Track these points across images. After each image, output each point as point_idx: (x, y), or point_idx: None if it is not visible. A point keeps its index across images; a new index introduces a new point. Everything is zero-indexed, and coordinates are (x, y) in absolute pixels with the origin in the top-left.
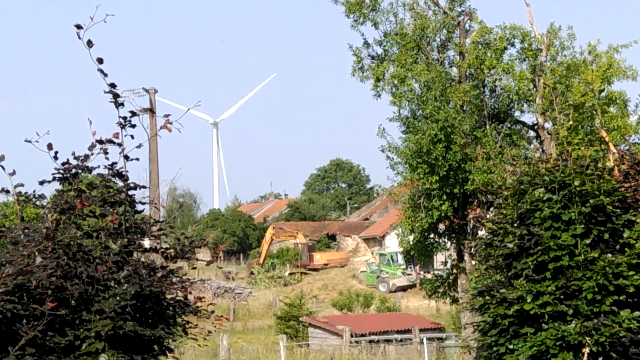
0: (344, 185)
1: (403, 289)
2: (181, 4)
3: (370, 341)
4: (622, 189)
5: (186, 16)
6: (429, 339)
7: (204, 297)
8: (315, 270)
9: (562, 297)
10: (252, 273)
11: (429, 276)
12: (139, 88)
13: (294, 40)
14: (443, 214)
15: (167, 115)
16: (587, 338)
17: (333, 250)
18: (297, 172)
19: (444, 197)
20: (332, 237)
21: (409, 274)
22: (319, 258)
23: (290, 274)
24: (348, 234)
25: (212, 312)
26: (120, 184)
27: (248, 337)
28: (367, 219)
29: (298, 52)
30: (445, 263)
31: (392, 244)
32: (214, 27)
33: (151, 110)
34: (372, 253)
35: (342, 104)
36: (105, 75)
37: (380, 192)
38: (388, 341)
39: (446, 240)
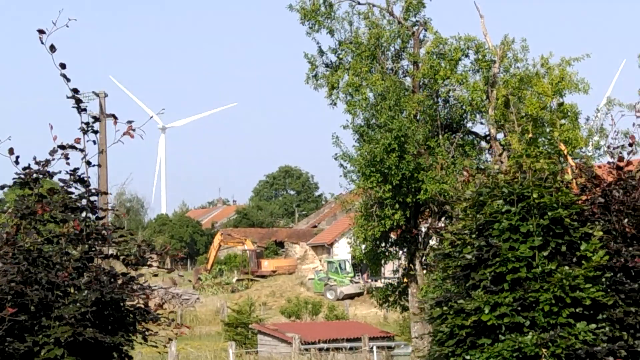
0: (292, 192)
1: (351, 296)
2: (141, 6)
3: (320, 349)
4: (580, 201)
5: (140, 17)
6: (378, 348)
7: (164, 305)
8: (263, 277)
9: (519, 308)
10: (199, 279)
11: (377, 284)
12: (89, 92)
13: (245, 46)
14: (395, 223)
15: (130, 122)
16: (544, 349)
17: (281, 257)
18: (246, 178)
19: (397, 206)
20: (280, 244)
21: (356, 282)
22: (267, 265)
23: (238, 280)
24: (296, 241)
25: (173, 319)
26: (82, 189)
27: (195, 344)
28: (315, 227)
29: (249, 58)
30: (396, 271)
31: (341, 251)
32: (163, 28)
33: (114, 116)
34: (320, 260)
35: (292, 111)
36: (68, 80)
37: (330, 200)
38: (338, 349)
39: (397, 249)
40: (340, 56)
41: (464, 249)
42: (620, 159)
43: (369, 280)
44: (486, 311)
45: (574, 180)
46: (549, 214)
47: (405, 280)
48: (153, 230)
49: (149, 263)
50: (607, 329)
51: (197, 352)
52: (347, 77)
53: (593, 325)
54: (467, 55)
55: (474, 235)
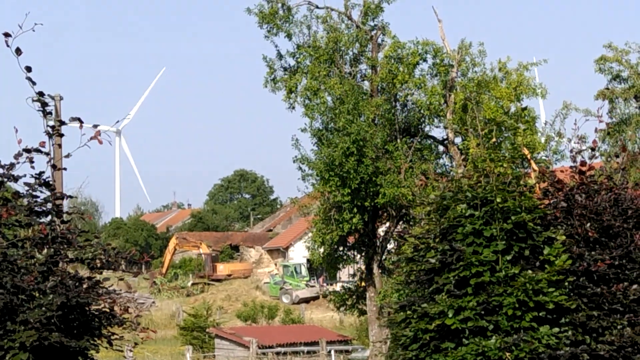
0: (247, 196)
1: (306, 300)
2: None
3: (277, 353)
4: (542, 206)
5: (77, 23)
6: (335, 351)
7: (129, 308)
8: (219, 280)
9: (483, 312)
10: (154, 283)
11: (333, 288)
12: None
13: (200, 48)
14: (353, 227)
15: (95, 126)
16: (507, 353)
17: (236, 261)
18: (201, 182)
19: (355, 210)
20: (236, 248)
21: (312, 286)
22: (223, 269)
23: (193, 284)
24: (251, 244)
25: (138, 324)
26: (47, 193)
27: (151, 348)
28: (270, 230)
29: (203, 60)
30: (354, 275)
31: (296, 255)
32: (114, 35)
33: (79, 120)
34: (276, 264)
35: (247, 114)
36: (34, 83)
37: (285, 204)
38: (295, 353)
39: (355, 253)
40: (299, 60)
41: (428, 253)
42: (583, 163)
43: (325, 284)
44: (450, 315)
45: (537, 185)
46: (513, 218)
47: (362, 284)
48: (108, 234)
49: (113, 267)
50: (570, 332)
51: (154, 357)
52: (305, 80)
53: (556, 329)
54: (425, 60)
55: (437, 240)
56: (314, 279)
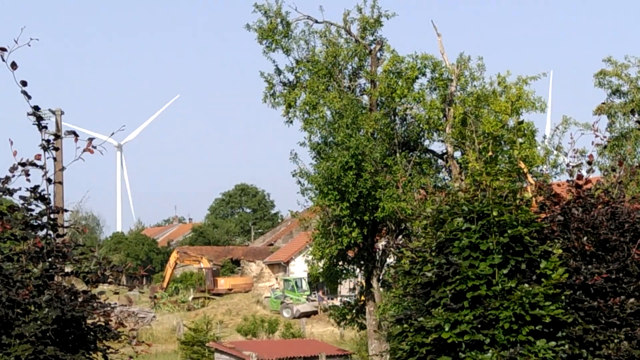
0: (248, 210)
1: (307, 315)
2: (82, 23)
3: None
4: (539, 219)
5: (87, 37)
6: None
7: (124, 322)
8: (219, 295)
9: (479, 326)
10: (155, 297)
11: (333, 302)
12: (45, 109)
13: (200, 64)
14: (352, 241)
15: (91, 139)
16: None
17: (237, 276)
18: (202, 196)
19: (354, 224)
20: (236, 262)
21: (312, 300)
22: (223, 283)
23: (194, 298)
24: (252, 259)
25: (134, 337)
26: (42, 207)
27: None
28: (271, 245)
29: (204, 76)
30: (353, 289)
31: (297, 269)
32: (117, 47)
33: (74, 133)
34: (277, 279)
35: (247, 128)
36: (29, 97)
37: (286, 218)
38: None
39: (355, 267)
40: (298, 74)
41: (424, 267)
42: (580, 177)
43: (325, 298)
44: (446, 329)
45: (534, 199)
46: (509, 231)
47: (362, 298)
48: (109, 248)
49: (109, 280)
50: (566, 346)
51: None
52: (304, 95)
53: (553, 343)
54: (424, 74)
55: (434, 253)
56: (314, 293)
